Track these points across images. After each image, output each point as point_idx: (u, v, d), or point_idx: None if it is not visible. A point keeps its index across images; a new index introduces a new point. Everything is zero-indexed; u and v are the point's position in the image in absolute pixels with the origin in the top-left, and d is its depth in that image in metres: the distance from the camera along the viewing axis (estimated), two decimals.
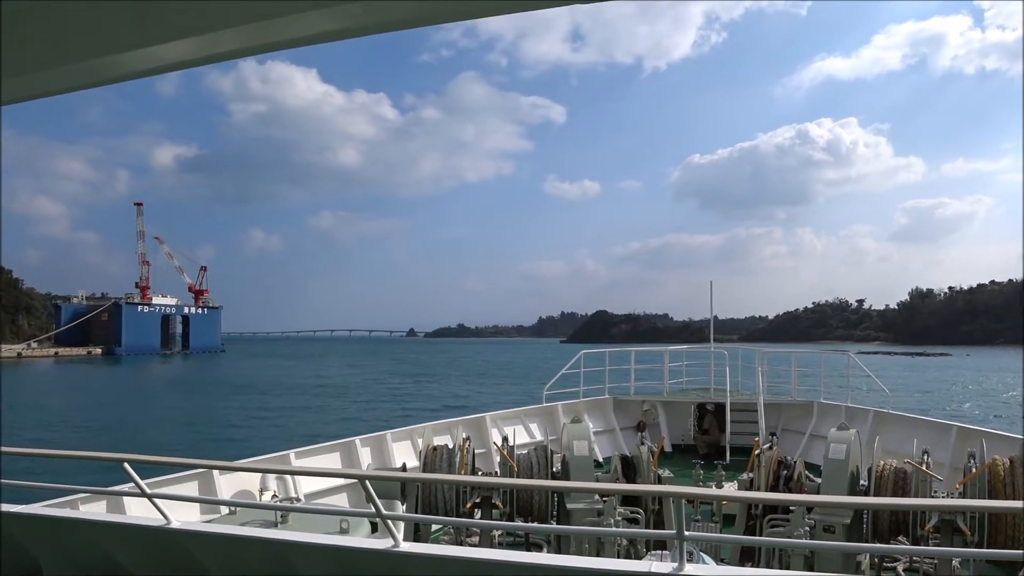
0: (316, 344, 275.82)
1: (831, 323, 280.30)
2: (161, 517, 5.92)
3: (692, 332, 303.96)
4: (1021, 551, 6.97)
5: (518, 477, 9.53)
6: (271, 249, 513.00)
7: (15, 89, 3.00)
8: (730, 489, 10.83)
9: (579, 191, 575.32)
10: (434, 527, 10.40)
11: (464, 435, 10.31)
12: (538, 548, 9.85)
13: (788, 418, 18.43)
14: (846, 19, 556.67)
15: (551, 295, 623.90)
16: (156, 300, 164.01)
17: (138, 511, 8.41)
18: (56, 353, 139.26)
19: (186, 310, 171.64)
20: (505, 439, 10.32)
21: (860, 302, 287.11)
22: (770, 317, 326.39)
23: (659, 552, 7.47)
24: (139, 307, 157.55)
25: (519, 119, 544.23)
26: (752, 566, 8.51)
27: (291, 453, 12.32)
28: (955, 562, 8.20)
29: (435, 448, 10.02)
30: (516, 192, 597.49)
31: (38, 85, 3.00)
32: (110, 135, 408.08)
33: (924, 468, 8.31)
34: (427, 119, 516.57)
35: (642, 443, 10.15)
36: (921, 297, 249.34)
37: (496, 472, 10.97)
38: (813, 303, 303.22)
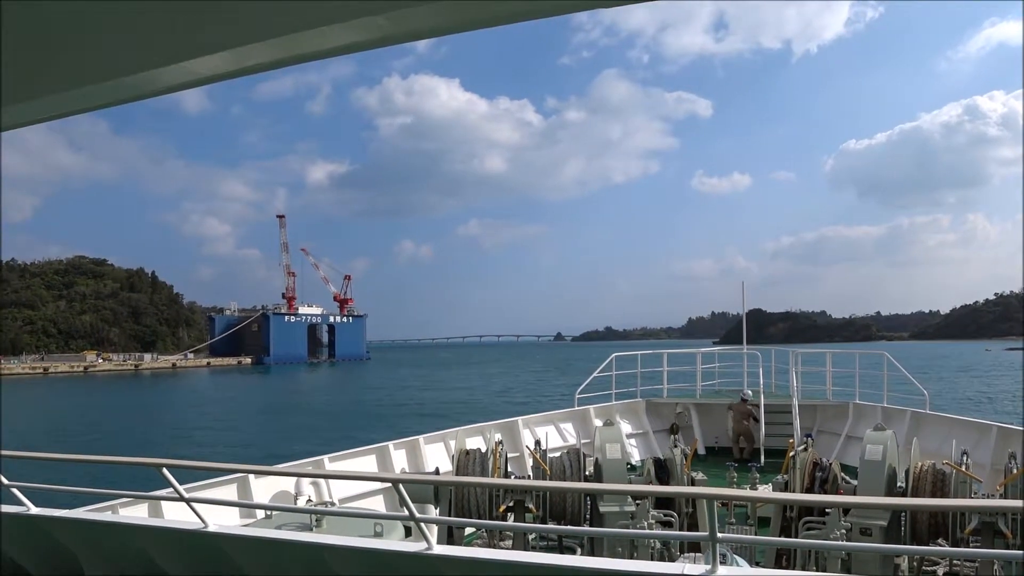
0: (464, 350, 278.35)
1: (1019, 316, 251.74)
2: (199, 521, 6.11)
3: (856, 329, 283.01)
4: None
5: (551, 480, 9.53)
6: (421, 258, 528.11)
7: (57, 105, 3.18)
8: (765, 491, 10.75)
9: (729, 185, 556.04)
10: (467, 530, 10.45)
11: (497, 438, 10.15)
12: (571, 551, 9.61)
13: (823, 419, 18.14)
14: None
15: (701, 295, 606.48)
16: (302, 310, 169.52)
17: (176, 515, 8.57)
18: (208, 363, 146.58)
19: (332, 319, 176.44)
20: (538, 442, 10.49)
21: None
22: (943, 312, 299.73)
23: (692, 554, 7.34)
24: (286, 317, 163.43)
25: (664, 115, 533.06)
26: (788, 569, 8.44)
27: (325, 458, 12.29)
28: (996, 565, 7.91)
29: (468, 452, 10.07)
30: (663, 190, 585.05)
31: (75, 102, 3.17)
32: (268, 157, 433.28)
33: (963, 469, 8.17)
34: (571, 121, 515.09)
35: (675, 446, 10.14)
36: None
37: (529, 475, 10.84)
38: (996, 295, 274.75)
